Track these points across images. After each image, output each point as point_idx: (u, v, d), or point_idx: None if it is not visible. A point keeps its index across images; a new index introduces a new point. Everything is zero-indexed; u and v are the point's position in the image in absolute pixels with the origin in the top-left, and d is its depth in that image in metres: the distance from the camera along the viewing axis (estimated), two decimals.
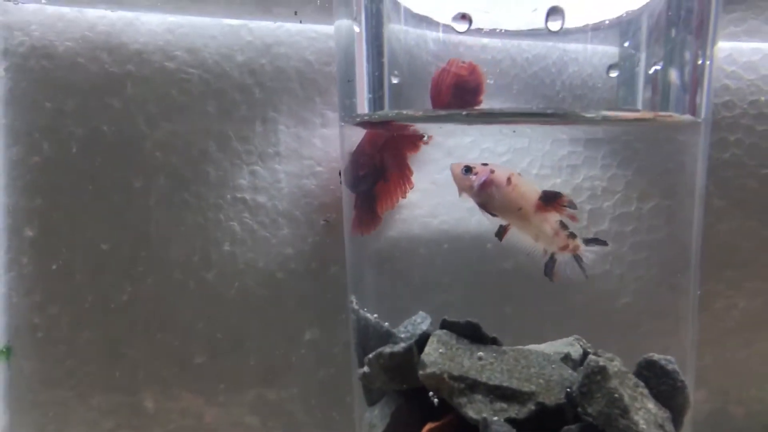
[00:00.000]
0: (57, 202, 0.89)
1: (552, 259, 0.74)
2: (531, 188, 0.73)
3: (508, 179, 0.73)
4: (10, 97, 0.88)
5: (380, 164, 0.85)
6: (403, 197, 0.83)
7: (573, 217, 0.73)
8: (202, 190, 0.91)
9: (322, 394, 0.96)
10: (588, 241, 0.74)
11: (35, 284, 0.89)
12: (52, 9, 0.87)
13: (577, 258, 0.74)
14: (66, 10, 0.88)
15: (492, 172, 0.73)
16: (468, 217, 0.83)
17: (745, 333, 1.01)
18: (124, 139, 0.89)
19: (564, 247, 0.74)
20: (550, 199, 0.72)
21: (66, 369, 0.90)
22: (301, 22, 0.91)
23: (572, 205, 0.72)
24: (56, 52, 0.88)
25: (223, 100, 0.91)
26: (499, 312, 0.79)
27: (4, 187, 0.89)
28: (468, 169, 0.73)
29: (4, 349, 0.90)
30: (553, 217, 0.73)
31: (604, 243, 0.75)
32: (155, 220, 0.90)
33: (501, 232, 0.75)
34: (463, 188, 0.74)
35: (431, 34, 0.68)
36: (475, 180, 0.73)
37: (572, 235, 0.74)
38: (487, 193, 0.73)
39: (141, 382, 0.91)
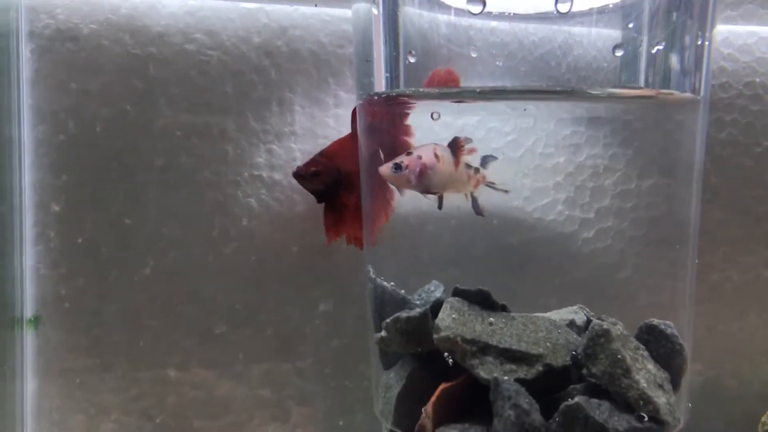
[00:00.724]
0: (82, 179, 0.92)
1: (474, 198, 0.78)
2: (446, 150, 0.76)
3: (436, 155, 0.75)
4: (36, 78, 0.91)
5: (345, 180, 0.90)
6: (386, 221, 0.87)
7: (473, 150, 0.76)
8: (221, 168, 0.95)
9: (336, 363, 1.00)
10: (482, 164, 0.78)
11: (62, 257, 0.93)
12: None
13: (490, 184, 0.78)
14: None
15: (420, 157, 0.74)
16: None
17: (739, 305, 1.06)
18: (146, 119, 0.93)
19: (477, 184, 0.78)
20: (455, 148, 0.76)
21: (92, 339, 0.94)
22: (316, 5, 0.94)
23: (467, 140, 0.76)
24: (81, 34, 0.91)
25: (241, 82, 0.95)
26: (505, 285, 0.81)
27: (30, 164, 0.92)
28: (397, 166, 0.74)
29: (33, 319, 0.93)
30: (461, 165, 0.76)
31: (493, 157, 0.79)
32: (176, 197, 0.94)
33: (440, 203, 0.79)
34: (401, 185, 0.76)
35: (443, 18, 0.71)
36: (410, 173, 0.74)
37: (476, 170, 0.77)
38: (425, 180, 0.75)
39: (163, 351, 0.95)
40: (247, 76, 0.95)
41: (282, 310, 0.98)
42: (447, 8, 0.71)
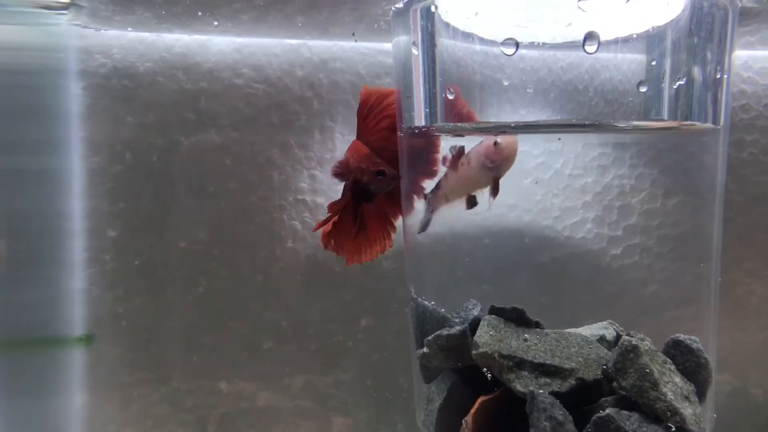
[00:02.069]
0: (139, 206, 0.99)
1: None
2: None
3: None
4: (89, 113, 0.98)
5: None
6: (381, 252, 0.90)
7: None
8: (268, 192, 1.01)
9: (377, 376, 1.05)
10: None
11: (119, 279, 0.99)
12: (132, 34, 0.97)
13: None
14: (146, 35, 0.97)
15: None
16: (507, 213, 0.90)
17: (763, 317, 1.08)
18: (198, 148, 0.99)
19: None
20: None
21: (149, 354, 1.00)
22: (356, 41, 1.00)
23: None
24: (137, 72, 0.98)
25: (286, 112, 1.01)
26: (537, 300, 0.84)
27: (82, 193, 0.98)
28: (497, 143, 0.77)
29: (84, 337, 1.00)
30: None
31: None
32: (226, 220, 1.00)
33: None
34: (499, 160, 0.78)
35: (476, 48, 0.76)
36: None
37: None
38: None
39: (216, 365, 1.01)
40: (291, 107, 1.01)
41: (325, 326, 1.03)
42: (479, 40, 0.75)
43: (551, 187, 0.91)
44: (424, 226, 0.84)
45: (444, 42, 0.77)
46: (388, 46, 1.01)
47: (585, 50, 0.71)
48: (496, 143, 0.76)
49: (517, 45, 0.71)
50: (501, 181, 0.85)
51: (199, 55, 0.98)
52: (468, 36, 0.76)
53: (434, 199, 0.84)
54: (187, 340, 1.01)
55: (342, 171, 0.89)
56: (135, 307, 1.00)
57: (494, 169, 0.78)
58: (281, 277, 1.02)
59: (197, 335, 1.01)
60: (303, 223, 1.02)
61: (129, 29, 0.96)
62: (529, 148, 0.90)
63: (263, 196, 1.01)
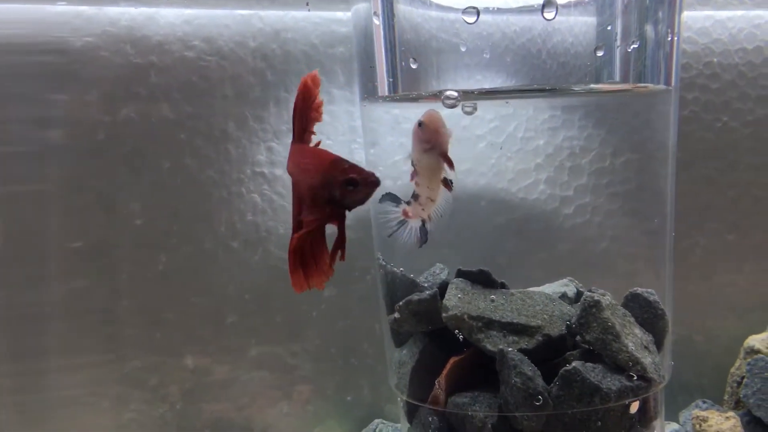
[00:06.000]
0: (84, 186, 0.96)
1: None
2: None
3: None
4: None
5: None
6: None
7: None
8: (225, 166, 1.00)
9: (342, 343, 1.07)
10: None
11: (65, 262, 0.97)
12: (64, 8, 0.94)
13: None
14: (83, 8, 0.94)
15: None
16: (464, 178, 0.92)
17: (706, 268, 1.13)
18: (151, 124, 0.97)
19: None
20: None
21: (104, 335, 0.98)
22: (309, 10, 0.99)
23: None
24: (72, 47, 0.94)
25: (239, 84, 0.99)
26: (495, 261, 0.87)
27: None
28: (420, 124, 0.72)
29: None
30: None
31: None
32: (184, 196, 0.99)
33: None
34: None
35: (433, 14, 0.76)
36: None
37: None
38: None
39: (180, 342, 1.01)
40: (245, 79, 0.99)
41: (289, 297, 1.04)
42: (437, 6, 0.75)
43: (505, 150, 0.92)
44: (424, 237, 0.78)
45: (402, 8, 0.77)
46: (341, 14, 1.01)
47: (544, 17, 0.72)
48: (420, 123, 0.73)
49: (478, 13, 0.72)
50: (457, 149, 0.86)
51: (147, 28, 0.96)
52: (425, 2, 0.76)
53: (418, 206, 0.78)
54: (148, 318, 1.00)
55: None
56: (82, 290, 0.98)
57: (434, 147, 0.74)
58: (242, 251, 1.02)
59: (160, 313, 1.00)
60: (262, 195, 1.01)
61: (62, 3, 0.92)
62: (481, 113, 0.91)
63: (220, 170, 1.00)
